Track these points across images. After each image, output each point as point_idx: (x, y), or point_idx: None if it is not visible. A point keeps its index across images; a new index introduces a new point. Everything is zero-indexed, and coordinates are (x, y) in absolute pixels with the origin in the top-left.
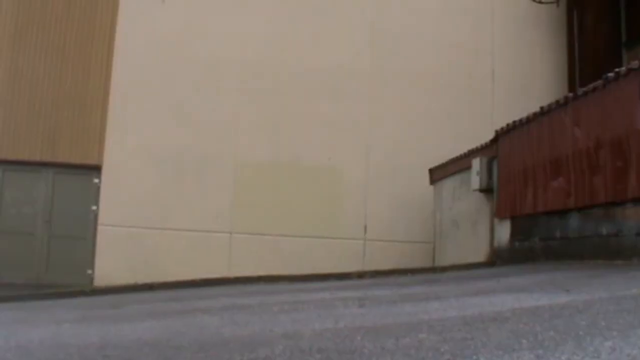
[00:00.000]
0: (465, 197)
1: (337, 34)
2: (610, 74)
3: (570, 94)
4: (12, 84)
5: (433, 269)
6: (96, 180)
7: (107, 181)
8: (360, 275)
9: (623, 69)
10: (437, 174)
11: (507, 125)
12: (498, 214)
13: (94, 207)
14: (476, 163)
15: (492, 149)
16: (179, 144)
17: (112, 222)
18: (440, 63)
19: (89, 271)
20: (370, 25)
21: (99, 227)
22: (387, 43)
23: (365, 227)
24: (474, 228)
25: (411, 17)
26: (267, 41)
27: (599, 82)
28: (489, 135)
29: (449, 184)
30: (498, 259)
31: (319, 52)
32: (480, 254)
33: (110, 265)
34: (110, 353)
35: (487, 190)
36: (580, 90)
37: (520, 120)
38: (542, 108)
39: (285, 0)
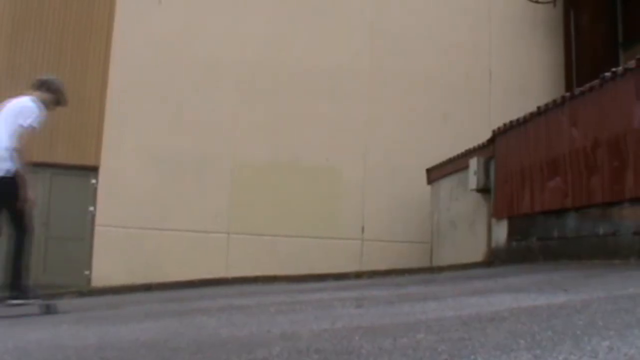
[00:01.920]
0: (463, 197)
1: (336, 34)
2: (607, 74)
3: (567, 94)
4: (8, 84)
5: (431, 269)
6: (93, 181)
7: (105, 182)
8: (358, 275)
9: (620, 68)
10: (435, 174)
11: (504, 125)
12: (495, 214)
13: (91, 208)
14: (473, 163)
15: (489, 149)
16: (176, 145)
17: (110, 222)
18: (438, 63)
19: (87, 272)
20: (370, 26)
21: (97, 228)
22: (386, 43)
23: (363, 228)
24: (472, 228)
25: (410, 17)
26: (266, 41)
27: (596, 82)
28: (486, 135)
29: (446, 184)
30: (495, 259)
31: (317, 53)
32: (477, 254)
33: (107, 266)
34: (108, 354)
35: (484, 190)
36: (577, 90)
37: (518, 120)
38: (539, 108)
39: (285, 0)
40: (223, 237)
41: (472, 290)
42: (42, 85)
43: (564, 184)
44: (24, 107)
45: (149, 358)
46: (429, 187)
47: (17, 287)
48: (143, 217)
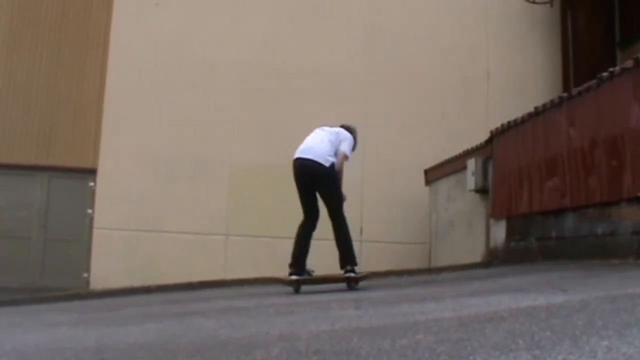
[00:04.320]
0: (461, 197)
1: (335, 35)
2: (605, 74)
3: (565, 94)
4: (6, 87)
5: (429, 270)
6: (91, 184)
7: (103, 184)
8: None
9: (617, 68)
10: (433, 174)
11: (502, 125)
12: (493, 214)
13: (89, 211)
14: (471, 163)
15: (487, 150)
16: (174, 146)
17: (108, 225)
18: (435, 64)
19: (85, 274)
20: (368, 27)
21: (95, 231)
22: (385, 44)
23: (361, 229)
24: (470, 228)
25: (408, 17)
26: (265, 42)
27: (593, 82)
28: (484, 136)
29: (444, 185)
30: (494, 259)
31: (316, 53)
32: (476, 254)
33: (106, 268)
34: (106, 356)
35: (482, 190)
36: (574, 90)
37: (515, 121)
38: (536, 108)
39: (283, 1)
40: (221, 239)
41: (470, 291)
42: (349, 130)
43: (562, 184)
44: (349, 138)
45: None
46: (427, 188)
47: (351, 261)
48: (141, 219)
